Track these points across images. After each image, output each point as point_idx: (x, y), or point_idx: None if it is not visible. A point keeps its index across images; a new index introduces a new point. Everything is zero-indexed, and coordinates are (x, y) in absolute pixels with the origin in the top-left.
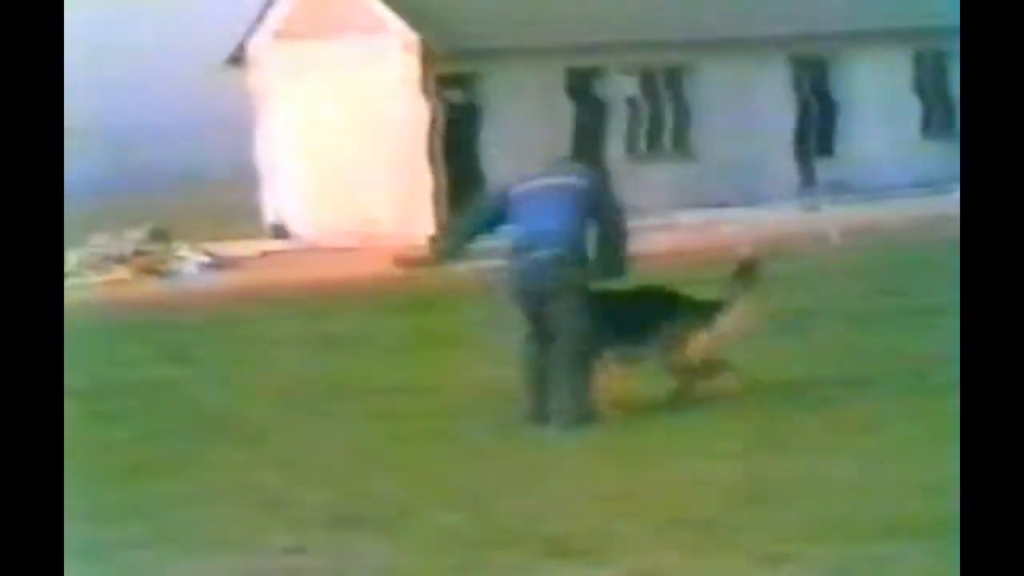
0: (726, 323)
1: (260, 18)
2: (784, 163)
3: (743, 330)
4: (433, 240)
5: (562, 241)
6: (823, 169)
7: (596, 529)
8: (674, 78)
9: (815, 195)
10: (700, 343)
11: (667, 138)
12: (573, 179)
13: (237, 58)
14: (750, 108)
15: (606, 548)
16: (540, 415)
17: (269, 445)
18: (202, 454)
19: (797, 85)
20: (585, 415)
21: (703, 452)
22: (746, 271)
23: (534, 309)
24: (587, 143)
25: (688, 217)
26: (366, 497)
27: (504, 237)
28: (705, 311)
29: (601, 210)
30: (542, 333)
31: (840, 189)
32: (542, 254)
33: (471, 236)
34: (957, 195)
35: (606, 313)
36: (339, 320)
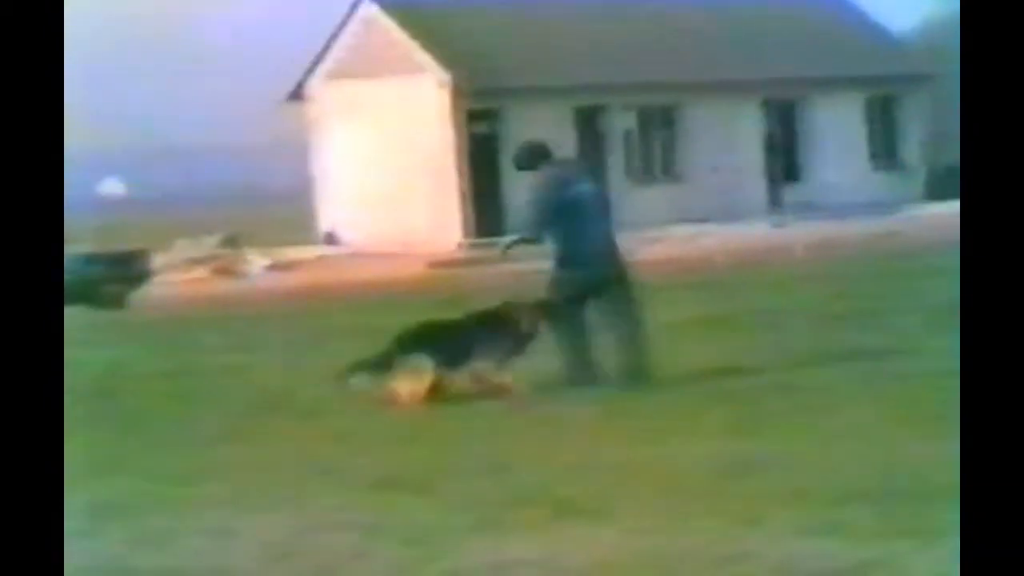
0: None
1: (317, 60)
2: (757, 186)
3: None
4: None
5: (611, 252)
6: (790, 192)
7: (599, 494)
8: (666, 115)
9: (783, 214)
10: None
11: (658, 165)
12: (596, 185)
13: (297, 94)
14: (729, 140)
15: (607, 510)
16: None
17: (323, 420)
18: (266, 427)
19: (768, 122)
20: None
21: (691, 431)
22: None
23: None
24: (591, 168)
25: (676, 231)
26: (404, 464)
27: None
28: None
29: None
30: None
31: (804, 209)
32: (596, 271)
33: (540, 238)
34: (901, 215)
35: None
36: (382, 314)
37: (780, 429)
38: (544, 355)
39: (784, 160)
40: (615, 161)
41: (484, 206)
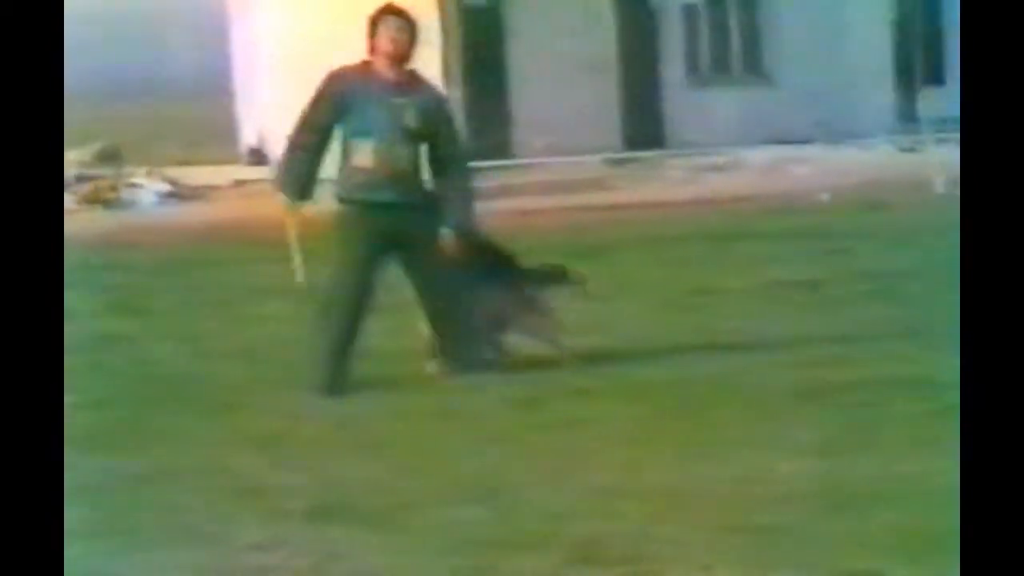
0: None
1: None
2: (879, 93)
3: None
4: None
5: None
6: (928, 102)
7: (634, 533)
8: None
9: (917, 133)
10: None
11: (735, 58)
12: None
13: None
14: (839, 23)
15: (646, 556)
16: None
17: (240, 418)
18: (159, 426)
19: None
20: None
21: (767, 444)
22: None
23: None
24: (637, 62)
25: (759, 154)
26: (355, 483)
27: None
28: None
29: None
30: None
31: (948, 126)
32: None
33: None
34: None
35: None
36: (327, 267)
37: (903, 445)
38: None
39: (922, 54)
40: (671, 53)
41: (480, 116)
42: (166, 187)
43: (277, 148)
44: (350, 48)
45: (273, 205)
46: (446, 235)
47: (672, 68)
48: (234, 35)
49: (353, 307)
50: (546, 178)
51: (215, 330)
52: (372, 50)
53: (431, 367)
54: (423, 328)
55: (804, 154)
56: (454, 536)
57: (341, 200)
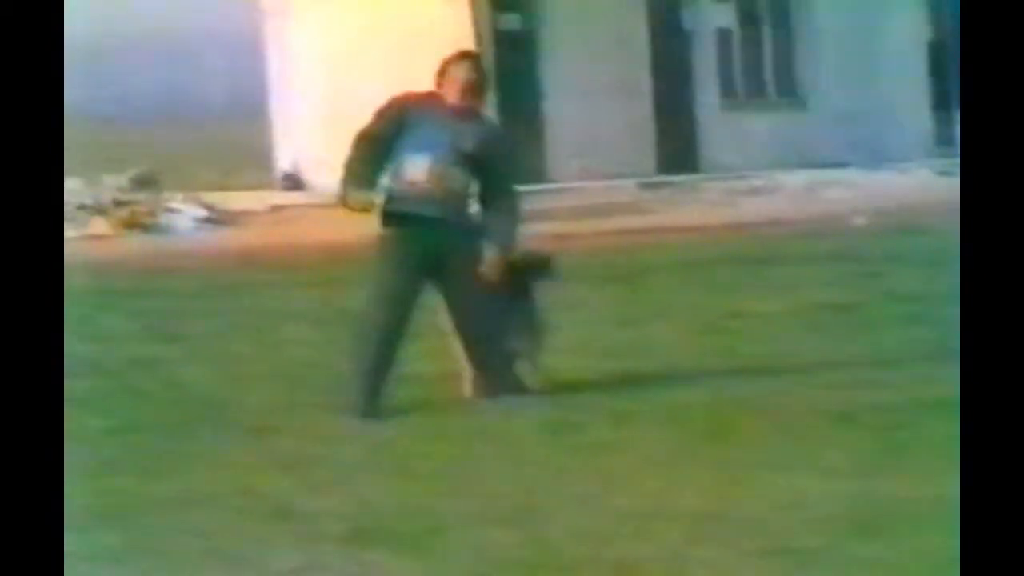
0: None
1: None
2: (916, 114)
3: None
4: None
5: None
6: None
7: (668, 556)
8: (779, 4)
9: (954, 156)
10: None
11: (770, 80)
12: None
13: None
14: (875, 45)
15: None
16: None
17: (274, 441)
18: (193, 450)
19: (935, 16)
20: None
21: (800, 464)
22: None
23: None
24: (671, 85)
25: (793, 178)
26: (389, 506)
27: None
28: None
29: None
30: None
31: None
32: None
33: None
34: None
35: None
36: (362, 292)
37: (931, 466)
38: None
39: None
40: (704, 74)
41: (517, 137)
42: (203, 212)
43: (311, 173)
44: (387, 74)
45: (308, 230)
46: (488, 253)
47: (706, 91)
48: (270, 58)
49: (392, 330)
50: (581, 202)
51: (250, 354)
52: (439, 87)
53: (467, 390)
54: (458, 351)
55: (840, 176)
56: (489, 558)
57: (387, 216)
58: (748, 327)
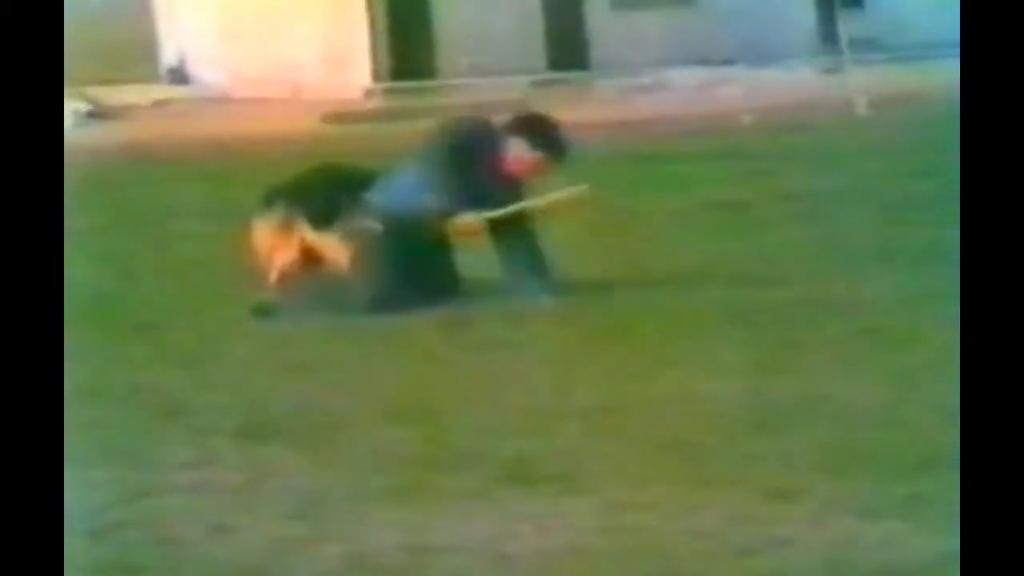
0: None
1: None
2: (802, 14)
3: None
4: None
5: None
6: (849, 23)
7: (567, 451)
8: None
9: (838, 54)
10: None
11: None
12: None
13: None
14: None
15: (578, 475)
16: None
17: (164, 337)
18: (81, 346)
19: None
20: None
21: (694, 365)
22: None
23: None
24: None
25: (683, 76)
26: (279, 403)
27: None
28: None
29: None
30: None
31: (869, 48)
32: None
33: None
34: None
35: None
36: (250, 187)
37: (829, 366)
38: None
39: None
40: None
41: (403, 33)
42: (84, 107)
43: (197, 67)
44: None
45: (194, 124)
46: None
47: None
48: None
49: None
50: (470, 99)
51: (136, 249)
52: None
53: None
54: None
55: (728, 74)
56: (385, 454)
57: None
58: (640, 225)
